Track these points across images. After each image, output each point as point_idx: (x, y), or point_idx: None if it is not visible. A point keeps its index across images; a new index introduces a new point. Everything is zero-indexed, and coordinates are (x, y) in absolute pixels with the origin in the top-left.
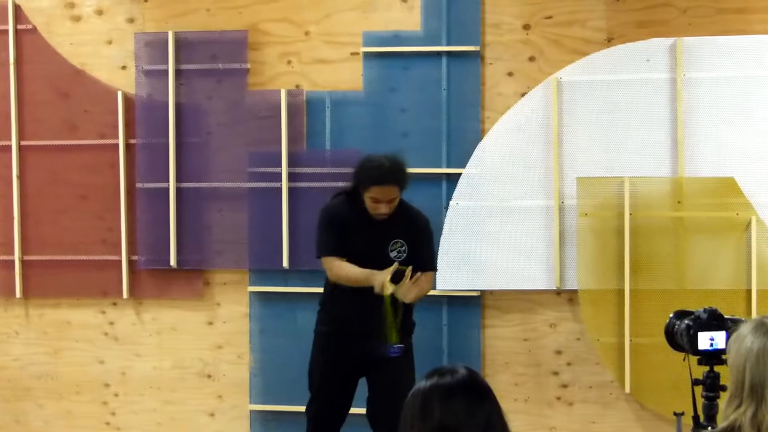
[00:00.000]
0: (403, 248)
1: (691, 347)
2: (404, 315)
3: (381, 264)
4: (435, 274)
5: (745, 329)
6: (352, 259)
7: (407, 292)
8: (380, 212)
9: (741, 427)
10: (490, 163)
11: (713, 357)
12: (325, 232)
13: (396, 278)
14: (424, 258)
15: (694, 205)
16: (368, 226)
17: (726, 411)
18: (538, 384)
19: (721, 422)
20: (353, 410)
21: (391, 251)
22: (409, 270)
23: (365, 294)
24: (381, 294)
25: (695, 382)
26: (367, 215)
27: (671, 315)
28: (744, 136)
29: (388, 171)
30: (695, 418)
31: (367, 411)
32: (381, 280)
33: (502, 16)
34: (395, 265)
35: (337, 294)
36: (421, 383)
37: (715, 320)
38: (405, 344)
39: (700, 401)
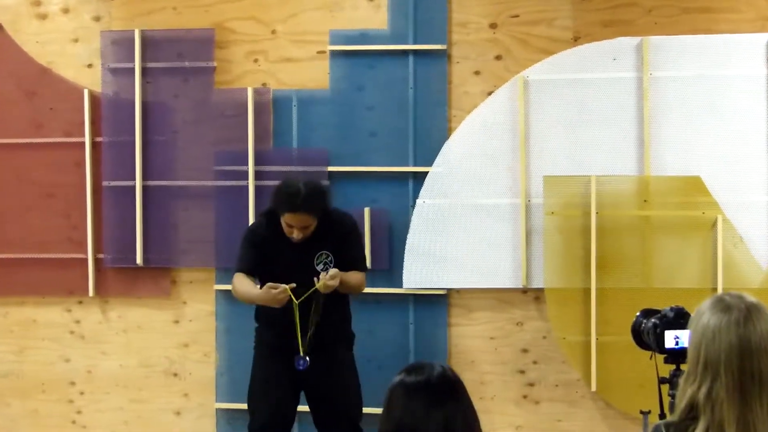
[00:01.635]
0: (329, 258)
1: (658, 346)
2: (341, 325)
3: (309, 278)
4: (365, 275)
5: (704, 305)
6: (278, 277)
7: (325, 283)
8: (294, 237)
9: (697, 405)
10: (456, 161)
11: (679, 355)
12: (243, 249)
13: (310, 297)
14: (350, 259)
15: (661, 203)
16: (291, 244)
17: (683, 387)
18: (505, 382)
19: (678, 398)
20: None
21: (317, 264)
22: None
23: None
24: (289, 306)
25: (661, 381)
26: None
27: (638, 313)
28: (710, 135)
29: (302, 199)
30: (662, 416)
31: (316, 424)
32: (269, 296)
33: (468, 15)
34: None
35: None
36: (395, 378)
37: (681, 319)
38: (345, 357)
39: (666, 399)
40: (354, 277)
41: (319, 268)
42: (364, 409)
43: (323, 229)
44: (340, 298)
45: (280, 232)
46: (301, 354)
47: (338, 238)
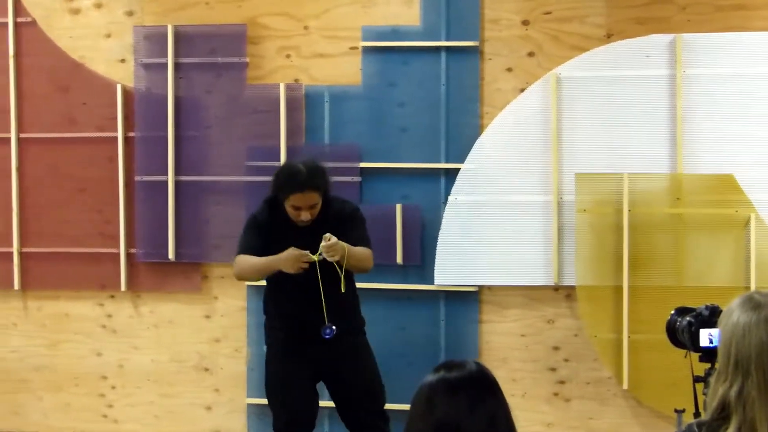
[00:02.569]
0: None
1: (692, 344)
2: (350, 310)
3: (313, 264)
4: (371, 254)
5: (734, 304)
6: None
7: (327, 248)
8: (301, 219)
9: (729, 404)
10: (488, 158)
11: (714, 354)
12: (248, 235)
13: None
14: (354, 239)
15: (693, 201)
16: (294, 230)
17: (714, 386)
18: (535, 380)
19: (710, 397)
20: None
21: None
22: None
23: (301, 286)
24: (297, 272)
25: (696, 379)
26: (291, 220)
27: (673, 312)
28: (743, 133)
29: (306, 177)
30: (696, 415)
31: (340, 414)
32: (291, 256)
33: (501, 11)
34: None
35: (276, 296)
36: (429, 376)
37: (716, 317)
38: (358, 342)
39: (701, 398)
40: (359, 249)
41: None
42: (396, 405)
43: (326, 216)
44: (346, 289)
45: (282, 219)
46: (326, 323)
47: (341, 222)
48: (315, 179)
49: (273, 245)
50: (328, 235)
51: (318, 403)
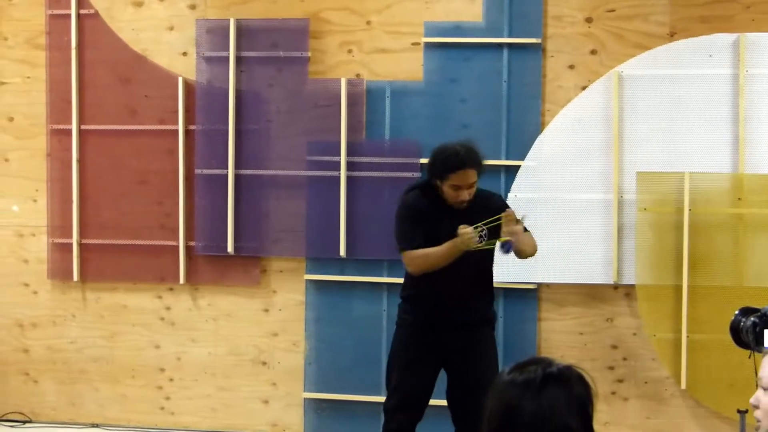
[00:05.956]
0: (484, 232)
1: (757, 344)
2: (487, 307)
3: (465, 252)
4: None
5: None
6: None
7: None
8: (462, 199)
9: None
10: (549, 156)
11: None
12: (408, 225)
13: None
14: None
15: (755, 201)
16: (448, 217)
17: None
18: (593, 378)
19: None
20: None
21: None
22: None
23: (449, 279)
24: (469, 246)
25: None
26: (446, 207)
27: (737, 312)
28: None
29: (465, 155)
30: None
31: (448, 402)
32: (462, 235)
33: (564, 8)
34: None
35: (419, 282)
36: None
37: None
38: (489, 336)
39: None
40: (530, 235)
41: (476, 241)
42: None
43: (476, 204)
44: (488, 280)
45: (437, 205)
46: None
47: (493, 212)
48: (474, 157)
49: (430, 231)
50: (509, 210)
51: (432, 390)
